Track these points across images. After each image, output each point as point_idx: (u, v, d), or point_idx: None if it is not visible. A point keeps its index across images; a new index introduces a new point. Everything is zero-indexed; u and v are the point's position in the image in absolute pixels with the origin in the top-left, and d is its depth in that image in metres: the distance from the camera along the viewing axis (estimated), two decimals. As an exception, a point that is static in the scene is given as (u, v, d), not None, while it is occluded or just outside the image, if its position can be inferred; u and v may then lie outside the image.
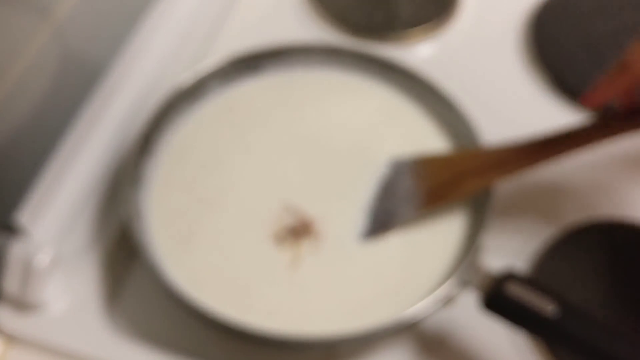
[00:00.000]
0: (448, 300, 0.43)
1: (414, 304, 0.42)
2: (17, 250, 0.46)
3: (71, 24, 0.50)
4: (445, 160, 0.49)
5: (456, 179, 0.47)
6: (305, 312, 0.45)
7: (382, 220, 0.47)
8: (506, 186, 0.49)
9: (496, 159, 0.46)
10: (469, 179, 0.47)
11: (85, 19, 0.51)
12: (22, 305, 0.47)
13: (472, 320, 0.45)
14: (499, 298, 0.41)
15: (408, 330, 0.46)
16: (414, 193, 0.48)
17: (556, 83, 0.59)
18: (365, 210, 0.48)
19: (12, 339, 0.47)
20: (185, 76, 0.52)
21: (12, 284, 0.46)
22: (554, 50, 0.61)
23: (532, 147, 0.45)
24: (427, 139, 0.52)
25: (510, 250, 0.50)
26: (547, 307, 0.40)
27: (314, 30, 0.63)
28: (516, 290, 0.41)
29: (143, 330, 0.47)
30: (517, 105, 0.58)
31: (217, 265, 0.47)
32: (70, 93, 0.51)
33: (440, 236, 0.47)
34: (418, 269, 0.46)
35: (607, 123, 0.44)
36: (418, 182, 0.48)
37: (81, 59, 0.53)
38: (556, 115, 0.57)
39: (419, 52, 0.62)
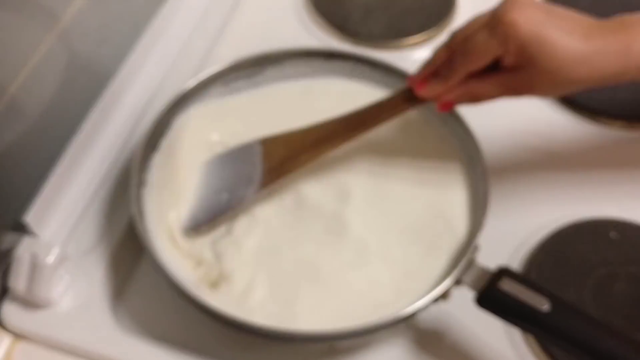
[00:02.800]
0: (442, 296, 0.44)
1: (413, 302, 0.43)
2: (24, 249, 0.47)
3: (77, 29, 0.50)
4: (284, 139, 0.51)
5: (292, 155, 0.50)
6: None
7: (210, 209, 0.49)
8: (501, 188, 0.50)
9: (325, 132, 0.50)
10: (303, 153, 0.50)
11: (91, 24, 0.52)
12: (29, 303, 0.47)
13: (468, 316, 0.47)
14: (493, 295, 0.42)
15: (405, 325, 0.47)
16: (253, 176, 0.50)
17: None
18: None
19: (19, 336, 0.47)
20: (189, 82, 0.53)
21: (19, 283, 0.46)
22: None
23: (354, 118, 0.49)
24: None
25: (504, 249, 0.51)
26: (540, 303, 0.41)
27: (313, 39, 0.64)
28: (510, 288, 0.42)
29: (148, 327, 0.48)
30: (511, 108, 0.59)
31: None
32: (76, 96, 0.52)
33: (439, 236, 0.48)
34: (418, 268, 0.47)
35: (407, 95, 0.48)
36: (262, 161, 0.50)
37: (87, 63, 0.53)
38: (545, 113, 0.59)
39: (417, 58, 0.63)
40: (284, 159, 0.50)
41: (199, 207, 0.50)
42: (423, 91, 0.47)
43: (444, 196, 0.50)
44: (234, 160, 0.51)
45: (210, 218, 0.49)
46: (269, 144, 0.51)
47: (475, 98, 0.46)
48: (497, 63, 0.45)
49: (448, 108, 0.48)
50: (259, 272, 0.47)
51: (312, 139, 0.50)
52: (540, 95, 0.47)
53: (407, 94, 0.48)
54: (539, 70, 0.43)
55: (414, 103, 0.48)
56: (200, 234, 0.49)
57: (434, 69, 0.47)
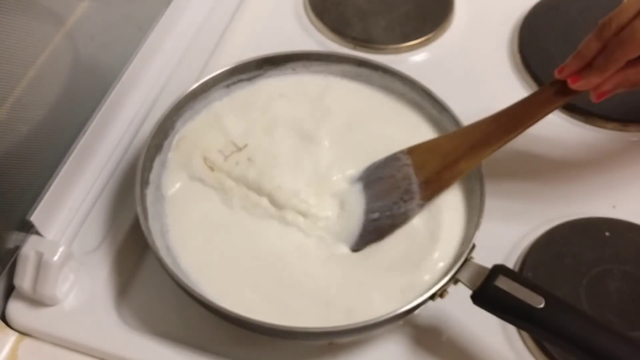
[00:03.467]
0: (439, 294, 0.45)
1: (411, 300, 0.44)
2: (30, 247, 0.47)
3: (82, 31, 0.51)
4: (433, 147, 0.50)
5: (448, 164, 0.48)
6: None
7: (380, 226, 0.48)
8: (497, 188, 0.51)
9: (480, 135, 0.48)
10: (461, 160, 0.48)
11: (95, 27, 0.53)
12: (34, 301, 0.48)
13: (465, 313, 0.47)
14: (489, 292, 0.43)
15: (402, 322, 0.48)
16: (410, 189, 0.49)
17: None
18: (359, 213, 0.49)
19: (24, 333, 0.48)
20: (193, 84, 0.53)
21: (25, 281, 0.47)
22: (540, 57, 0.63)
23: (506, 117, 0.48)
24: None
25: (500, 248, 0.52)
26: (535, 301, 0.42)
27: (314, 43, 0.65)
28: (506, 286, 0.43)
29: (152, 324, 0.48)
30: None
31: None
32: (81, 98, 0.52)
33: (438, 236, 0.49)
34: (418, 267, 0.47)
35: (557, 89, 0.48)
36: (415, 173, 0.49)
37: (91, 65, 0.53)
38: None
39: (414, 61, 0.64)
40: (441, 168, 0.48)
41: (357, 227, 0.48)
42: (579, 84, 0.46)
43: (441, 196, 0.50)
44: (382, 174, 0.50)
45: (376, 238, 0.48)
46: (417, 153, 0.50)
47: (634, 84, 0.46)
48: None
49: (604, 97, 0.47)
50: None
51: (468, 145, 0.48)
52: None
53: (557, 88, 0.47)
54: None
55: (566, 96, 0.47)
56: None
57: (587, 61, 0.46)
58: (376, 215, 0.49)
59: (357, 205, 0.50)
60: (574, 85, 0.46)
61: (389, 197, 0.49)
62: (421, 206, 0.49)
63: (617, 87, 0.46)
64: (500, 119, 0.48)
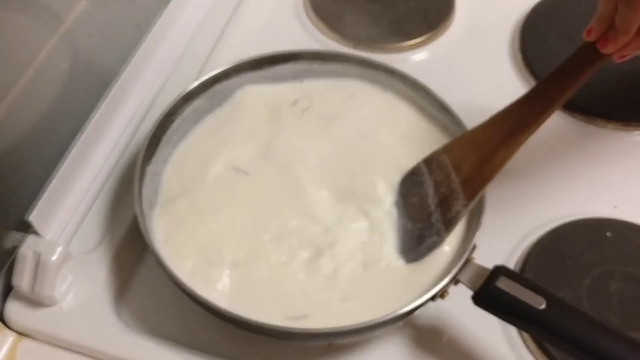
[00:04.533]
0: (440, 295, 0.45)
1: (412, 300, 0.44)
2: (28, 247, 0.47)
3: (81, 30, 0.51)
4: (467, 141, 0.48)
5: (486, 156, 0.46)
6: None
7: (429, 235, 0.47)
8: (498, 188, 0.51)
9: (514, 121, 0.46)
10: (499, 151, 0.46)
11: (94, 26, 0.52)
12: (32, 301, 0.48)
13: (465, 314, 0.47)
14: (490, 293, 0.43)
15: (403, 323, 0.48)
16: (454, 188, 0.47)
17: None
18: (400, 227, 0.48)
19: (22, 333, 0.48)
20: (192, 83, 0.54)
21: (23, 281, 0.47)
22: (542, 56, 0.63)
23: (536, 96, 0.47)
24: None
25: (501, 249, 0.52)
26: (536, 302, 0.42)
27: (314, 42, 0.65)
28: (506, 286, 0.43)
29: (151, 324, 0.48)
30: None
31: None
32: (80, 97, 0.52)
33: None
34: (417, 266, 0.47)
35: (584, 56, 0.46)
36: (455, 172, 0.47)
37: (90, 64, 0.53)
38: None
39: (415, 60, 0.64)
40: (480, 162, 0.46)
41: (409, 236, 0.47)
42: (608, 47, 0.45)
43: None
44: (422, 178, 0.49)
45: (432, 247, 0.47)
46: (452, 151, 0.48)
47: None
48: None
49: (625, 58, 0.46)
50: None
51: (504, 132, 0.46)
52: None
53: (584, 56, 0.46)
54: None
55: (595, 62, 0.46)
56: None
57: (610, 21, 0.44)
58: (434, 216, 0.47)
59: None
60: (604, 49, 0.45)
61: (432, 199, 0.48)
62: (466, 206, 0.47)
63: (638, 49, 0.45)
64: (530, 101, 0.47)
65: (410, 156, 0.51)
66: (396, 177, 0.51)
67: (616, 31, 0.44)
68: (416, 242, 0.48)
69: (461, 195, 0.47)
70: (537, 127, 0.46)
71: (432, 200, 0.48)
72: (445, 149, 0.49)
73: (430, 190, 0.49)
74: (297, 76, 0.56)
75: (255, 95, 0.55)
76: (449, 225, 0.47)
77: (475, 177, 0.47)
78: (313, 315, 0.45)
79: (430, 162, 0.50)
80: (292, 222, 0.48)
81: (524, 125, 0.46)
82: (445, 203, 0.48)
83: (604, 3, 0.45)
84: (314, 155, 0.52)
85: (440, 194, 0.48)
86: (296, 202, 0.49)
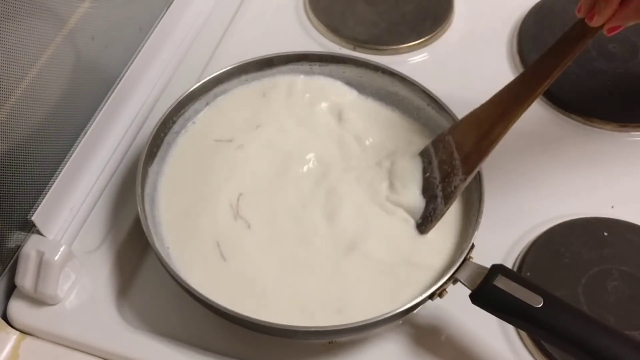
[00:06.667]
0: (438, 293, 0.45)
1: (410, 299, 0.44)
2: (31, 247, 0.47)
3: (83, 32, 0.51)
4: (471, 121, 0.50)
5: (484, 132, 0.48)
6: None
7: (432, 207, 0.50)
8: (496, 188, 0.51)
9: (508, 97, 0.48)
10: (495, 126, 0.48)
11: (97, 27, 0.53)
12: (35, 300, 0.48)
13: (464, 313, 0.48)
14: (488, 292, 0.43)
15: (402, 321, 0.48)
16: (454, 164, 0.49)
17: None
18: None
19: (25, 332, 0.48)
20: (193, 84, 0.54)
21: (26, 280, 0.47)
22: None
23: (530, 74, 0.48)
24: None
25: (499, 248, 0.52)
26: (533, 301, 0.42)
27: (314, 43, 0.65)
28: (504, 285, 0.43)
29: (153, 323, 0.49)
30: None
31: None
32: (83, 98, 0.53)
33: (438, 237, 0.49)
34: (418, 266, 0.48)
35: (575, 32, 0.48)
36: (457, 150, 0.50)
37: (93, 65, 0.54)
38: (540, 115, 0.60)
39: (414, 62, 0.64)
40: (478, 138, 0.49)
41: (419, 207, 0.50)
42: (595, 20, 0.46)
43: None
44: (432, 156, 0.51)
45: (433, 219, 0.49)
46: (458, 131, 0.50)
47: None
48: None
49: (615, 31, 0.47)
50: None
51: (500, 109, 0.48)
52: None
53: (575, 32, 0.47)
54: None
55: (585, 37, 0.47)
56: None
57: None
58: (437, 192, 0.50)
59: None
60: (591, 22, 0.46)
61: (439, 175, 0.50)
62: (464, 180, 0.49)
63: (624, 20, 0.46)
64: (525, 79, 0.49)
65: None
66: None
67: (600, 3, 0.46)
68: (425, 215, 0.50)
69: (460, 170, 0.49)
70: (530, 102, 0.48)
71: (436, 178, 0.51)
72: (450, 130, 0.51)
73: (435, 168, 0.51)
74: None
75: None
76: (447, 199, 0.49)
77: (474, 152, 0.49)
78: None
79: (436, 143, 0.52)
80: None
81: (518, 101, 0.48)
82: (447, 179, 0.50)
83: None
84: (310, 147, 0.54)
85: (443, 171, 0.50)
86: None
